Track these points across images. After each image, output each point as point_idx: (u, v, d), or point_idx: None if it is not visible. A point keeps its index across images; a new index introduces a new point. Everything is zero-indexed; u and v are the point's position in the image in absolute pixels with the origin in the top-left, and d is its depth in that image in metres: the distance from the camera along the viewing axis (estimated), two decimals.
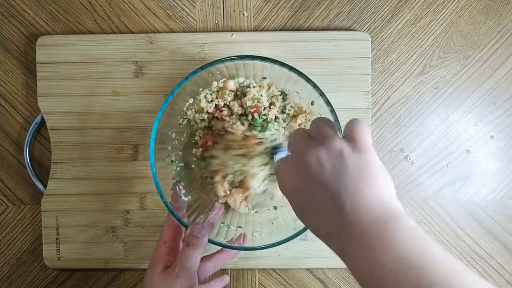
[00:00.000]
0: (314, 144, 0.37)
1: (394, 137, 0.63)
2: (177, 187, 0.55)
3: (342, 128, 0.51)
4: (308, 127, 0.42)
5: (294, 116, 0.57)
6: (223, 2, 0.62)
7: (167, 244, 0.50)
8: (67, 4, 0.62)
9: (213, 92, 0.56)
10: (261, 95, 0.55)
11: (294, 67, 0.51)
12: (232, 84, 0.56)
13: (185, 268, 0.47)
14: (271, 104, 0.57)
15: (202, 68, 0.51)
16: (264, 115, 0.55)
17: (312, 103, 0.55)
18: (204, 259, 0.51)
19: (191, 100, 0.57)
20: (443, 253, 0.31)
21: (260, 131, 0.53)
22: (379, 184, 0.35)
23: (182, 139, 0.58)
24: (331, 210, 0.35)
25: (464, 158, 0.63)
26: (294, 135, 0.40)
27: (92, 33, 0.62)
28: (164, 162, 0.56)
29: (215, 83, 0.55)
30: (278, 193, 0.51)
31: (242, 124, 0.54)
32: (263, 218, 0.57)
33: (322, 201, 0.35)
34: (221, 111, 0.56)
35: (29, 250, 0.63)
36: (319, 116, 0.54)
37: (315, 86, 0.51)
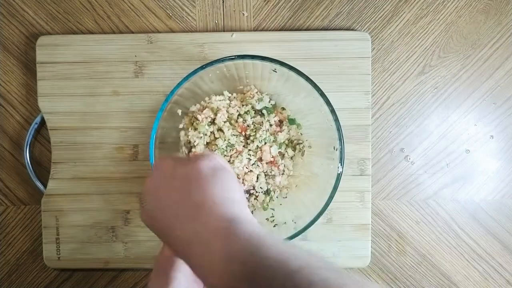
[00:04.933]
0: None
1: (394, 137, 0.62)
2: None
3: (342, 128, 0.51)
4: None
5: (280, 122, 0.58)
6: (223, 2, 0.62)
7: None
8: (67, 4, 0.62)
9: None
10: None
11: (294, 67, 0.51)
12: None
13: (184, 266, 0.46)
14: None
15: (202, 68, 0.51)
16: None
17: (275, 70, 0.53)
18: None
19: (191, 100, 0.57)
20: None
21: None
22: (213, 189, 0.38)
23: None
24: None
25: (464, 158, 0.63)
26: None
27: (92, 33, 0.62)
28: None
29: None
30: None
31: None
32: (262, 218, 0.57)
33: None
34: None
35: (29, 250, 0.63)
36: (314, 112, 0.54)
37: (315, 86, 0.51)
